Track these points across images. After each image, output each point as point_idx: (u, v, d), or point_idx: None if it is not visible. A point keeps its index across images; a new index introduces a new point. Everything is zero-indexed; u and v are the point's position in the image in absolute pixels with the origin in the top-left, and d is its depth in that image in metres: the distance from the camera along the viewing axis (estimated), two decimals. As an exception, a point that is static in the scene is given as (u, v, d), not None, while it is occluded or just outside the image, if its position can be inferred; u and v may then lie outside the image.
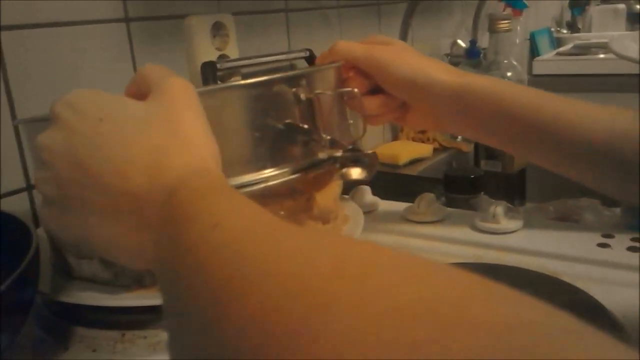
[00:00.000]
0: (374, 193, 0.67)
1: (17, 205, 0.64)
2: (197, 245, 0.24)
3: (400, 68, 0.52)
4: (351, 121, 0.51)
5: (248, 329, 0.18)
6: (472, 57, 1.32)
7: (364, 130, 0.51)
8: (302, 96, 0.43)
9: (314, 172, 0.44)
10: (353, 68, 0.54)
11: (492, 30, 0.87)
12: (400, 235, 0.59)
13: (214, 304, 0.21)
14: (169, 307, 0.26)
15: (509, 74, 0.88)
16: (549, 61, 1.89)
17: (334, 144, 0.43)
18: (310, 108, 0.43)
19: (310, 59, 1.05)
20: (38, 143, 0.33)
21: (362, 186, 0.66)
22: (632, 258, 0.51)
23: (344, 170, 0.44)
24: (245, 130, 0.42)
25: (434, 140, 1.25)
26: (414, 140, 1.27)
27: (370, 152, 0.44)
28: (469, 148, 1.20)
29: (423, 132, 1.27)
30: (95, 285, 0.44)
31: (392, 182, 0.92)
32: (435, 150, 1.24)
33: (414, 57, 0.53)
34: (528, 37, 2.03)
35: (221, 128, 0.40)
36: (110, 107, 0.32)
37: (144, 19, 0.77)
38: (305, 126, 0.42)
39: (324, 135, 0.42)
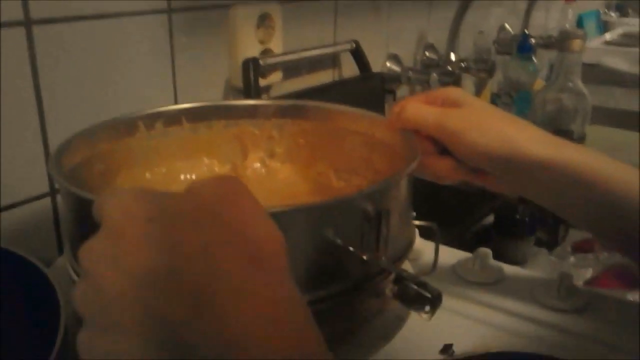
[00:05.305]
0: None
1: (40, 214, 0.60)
2: None
3: (479, 139, 0.46)
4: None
5: None
6: (524, 52, 1.22)
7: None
8: (371, 211, 0.37)
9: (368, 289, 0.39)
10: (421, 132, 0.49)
11: (563, 48, 0.79)
12: (454, 297, 0.54)
13: None
14: None
15: (571, 97, 0.81)
16: (595, 49, 1.79)
17: (399, 280, 0.38)
18: (376, 224, 0.38)
19: (356, 52, 0.98)
20: (79, 253, 0.28)
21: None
22: None
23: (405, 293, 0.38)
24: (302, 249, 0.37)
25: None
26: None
27: (437, 291, 0.36)
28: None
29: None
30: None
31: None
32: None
33: (495, 124, 0.46)
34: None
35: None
36: (158, 205, 0.27)
37: (187, 9, 0.70)
38: (365, 257, 0.38)
39: (387, 268, 0.38)
